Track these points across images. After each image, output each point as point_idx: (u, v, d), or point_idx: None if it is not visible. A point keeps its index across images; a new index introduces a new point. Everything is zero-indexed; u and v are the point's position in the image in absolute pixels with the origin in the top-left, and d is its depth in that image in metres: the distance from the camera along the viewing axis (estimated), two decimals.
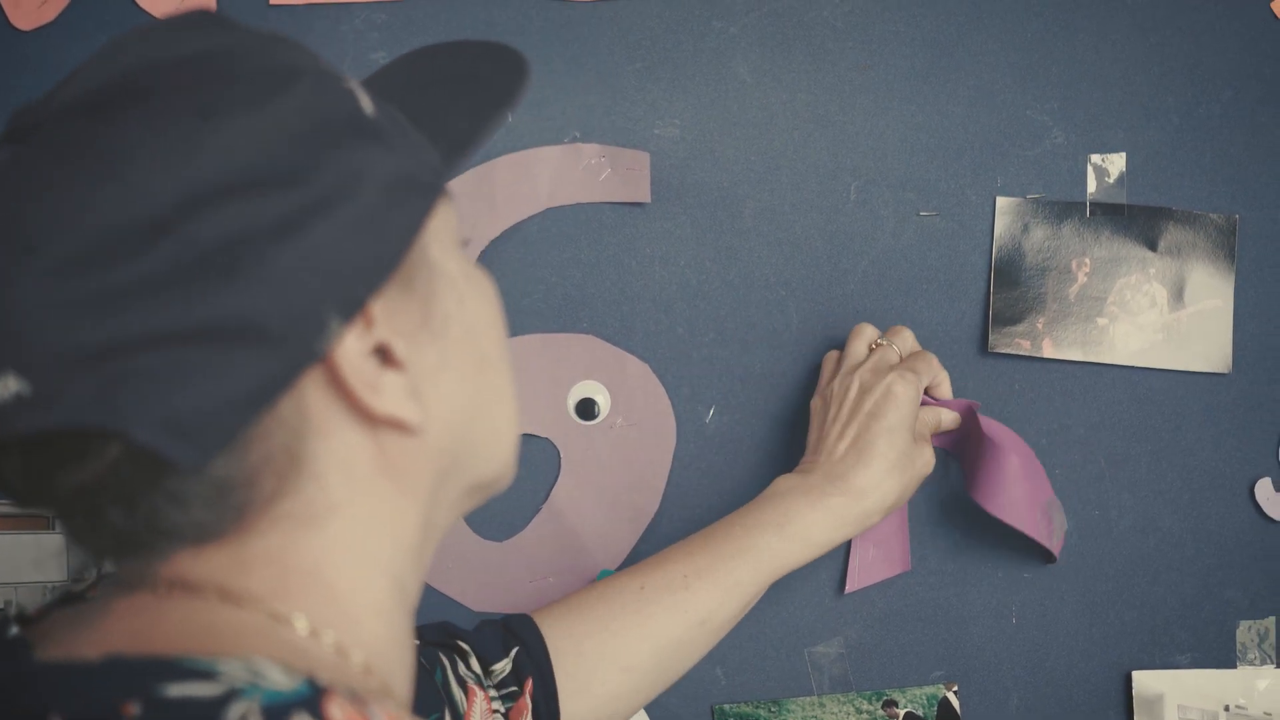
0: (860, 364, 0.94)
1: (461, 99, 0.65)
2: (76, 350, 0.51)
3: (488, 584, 1.00)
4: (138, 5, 1.01)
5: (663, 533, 1.00)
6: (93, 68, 0.56)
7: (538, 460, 1.00)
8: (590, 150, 1.00)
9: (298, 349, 0.54)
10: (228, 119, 0.53)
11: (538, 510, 1.01)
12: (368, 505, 0.58)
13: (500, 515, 1.00)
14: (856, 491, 0.89)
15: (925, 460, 0.93)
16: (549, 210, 1.00)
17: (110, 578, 0.61)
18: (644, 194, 1.00)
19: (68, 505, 0.55)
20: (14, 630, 0.57)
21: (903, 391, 0.91)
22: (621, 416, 1.00)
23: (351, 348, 0.56)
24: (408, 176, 0.58)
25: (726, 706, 1.00)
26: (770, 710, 1.00)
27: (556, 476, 1.00)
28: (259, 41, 0.58)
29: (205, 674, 0.52)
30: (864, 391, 0.92)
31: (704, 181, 1.01)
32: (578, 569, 1.00)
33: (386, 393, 0.57)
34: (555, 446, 1.00)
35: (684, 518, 1.00)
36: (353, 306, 0.55)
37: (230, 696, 0.51)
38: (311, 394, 0.56)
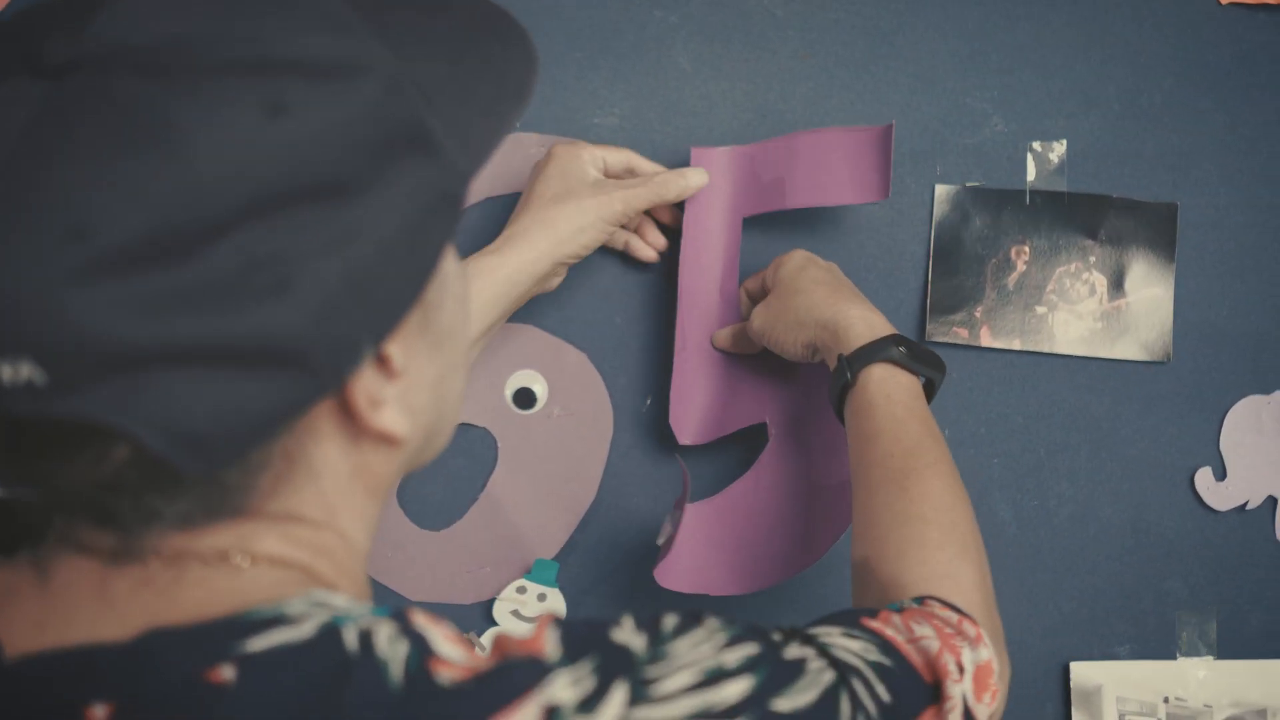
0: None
1: (480, 85, 0.59)
2: (111, 351, 0.47)
3: (426, 573, 1.00)
4: None
5: (600, 521, 1.00)
6: (142, 7, 0.50)
7: (475, 449, 1.00)
8: (530, 139, 1.00)
9: (330, 375, 0.52)
10: (297, 120, 0.49)
11: (475, 500, 1.00)
12: (349, 508, 0.58)
13: (438, 504, 1.00)
14: (536, 230, 0.91)
15: (606, 202, 0.92)
16: (489, 199, 1.00)
17: (55, 535, 0.56)
18: None
19: (52, 489, 0.53)
20: None
21: (586, 152, 0.93)
22: (559, 406, 1.00)
23: (365, 367, 0.54)
24: (443, 189, 0.54)
25: None
26: None
27: (494, 466, 1.00)
28: (322, 17, 0.53)
29: (278, 620, 0.51)
30: (561, 167, 0.93)
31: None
32: (515, 558, 1.00)
33: (384, 408, 0.56)
34: (493, 436, 1.00)
35: (621, 506, 1.00)
36: (384, 332, 0.53)
37: (330, 627, 0.51)
38: (318, 405, 0.54)
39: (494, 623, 0.98)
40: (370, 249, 0.51)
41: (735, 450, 1.00)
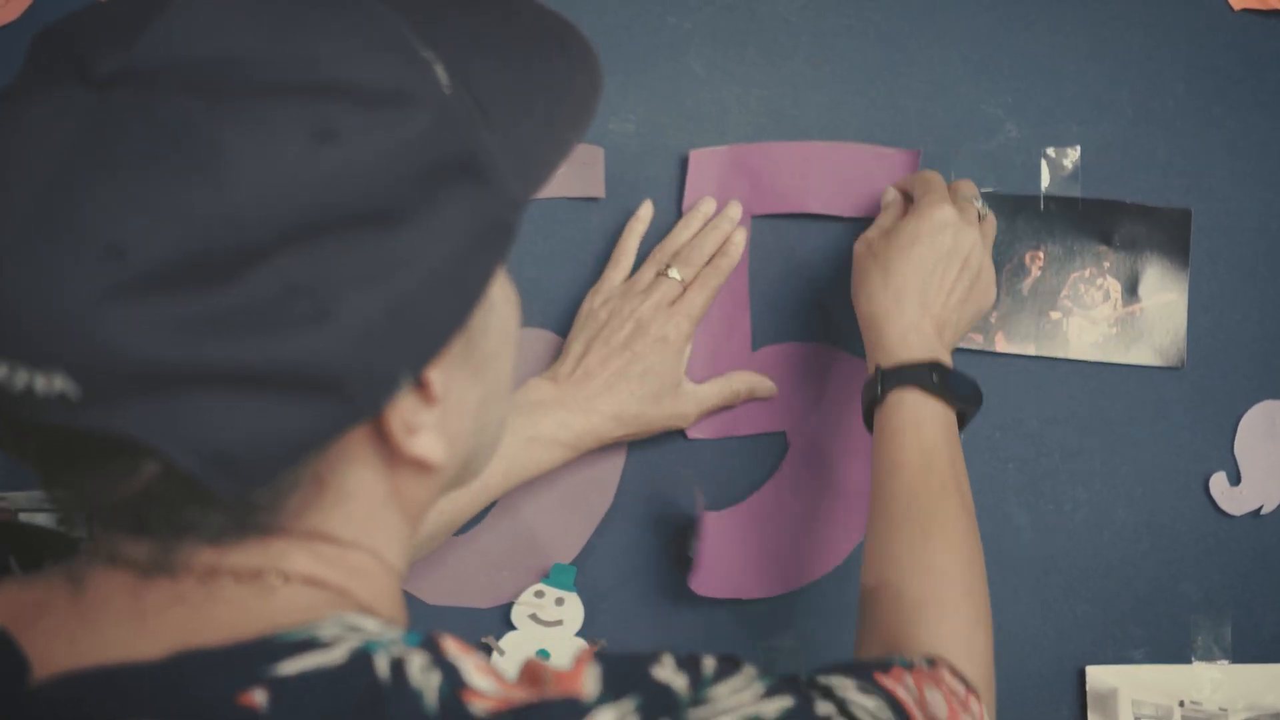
0: (642, 292, 0.94)
1: (537, 106, 0.57)
2: (141, 368, 0.47)
3: (444, 577, 1.00)
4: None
5: (616, 527, 1.00)
6: (193, 19, 0.50)
7: None
8: None
9: (366, 403, 0.51)
10: (346, 147, 0.49)
11: (493, 504, 1.01)
12: (382, 531, 0.58)
13: None
14: (601, 415, 0.92)
15: (680, 413, 0.94)
16: None
17: (88, 548, 0.57)
18: (598, 189, 1.00)
19: (84, 496, 0.53)
20: None
21: (674, 336, 0.93)
22: None
23: (403, 394, 0.54)
24: (494, 217, 0.53)
25: None
26: None
27: None
28: (376, 41, 0.52)
29: (309, 643, 0.51)
30: (639, 330, 0.93)
31: (658, 176, 1.01)
32: (532, 562, 1.00)
33: (420, 434, 0.55)
34: None
35: (638, 510, 1.00)
36: (423, 363, 0.53)
37: (362, 653, 0.50)
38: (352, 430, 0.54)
39: (512, 626, 0.99)
40: (415, 279, 0.50)
41: (756, 458, 1.00)
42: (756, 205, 0.99)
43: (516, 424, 0.90)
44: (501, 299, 0.60)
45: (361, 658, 0.51)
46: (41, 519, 1.00)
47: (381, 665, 0.51)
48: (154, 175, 0.47)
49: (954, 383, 0.84)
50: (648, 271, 0.96)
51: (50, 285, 0.47)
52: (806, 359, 1.00)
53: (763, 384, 0.98)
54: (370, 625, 0.53)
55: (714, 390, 0.96)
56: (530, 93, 0.57)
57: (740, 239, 0.97)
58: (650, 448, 1.01)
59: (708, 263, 0.96)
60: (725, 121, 1.01)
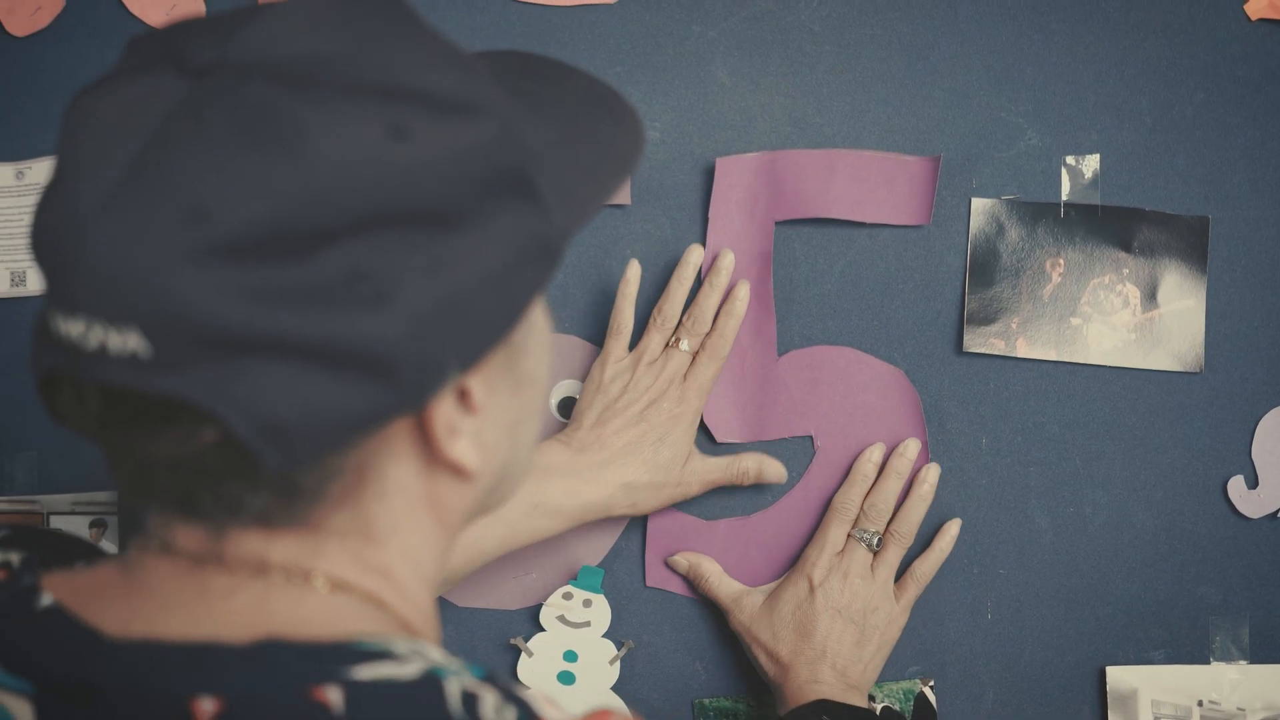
0: (654, 361, 0.97)
1: (583, 154, 0.62)
2: (214, 333, 0.50)
3: (472, 579, 1.01)
4: (129, 12, 1.03)
5: (643, 530, 1.02)
6: (284, 22, 0.53)
7: None
8: None
9: (414, 391, 0.54)
10: (418, 146, 0.52)
11: None
12: (417, 533, 0.60)
13: None
14: (615, 485, 0.94)
15: (686, 487, 0.97)
16: None
17: (139, 542, 0.59)
18: (624, 196, 1.02)
19: (143, 467, 0.55)
20: (47, 599, 0.56)
21: (687, 411, 0.96)
22: None
23: (446, 393, 0.56)
24: (543, 239, 0.57)
25: (706, 701, 1.02)
26: (750, 705, 1.01)
27: None
28: (449, 58, 0.56)
29: (386, 654, 0.53)
30: (654, 404, 0.95)
31: (684, 183, 1.02)
32: (560, 564, 1.01)
33: (460, 439, 0.58)
34: None
35: (663, 514, 1.02)
36: (470, 362, 0.55)
37: (433, 676, 0.52)
38: (397, 423, 0.56)
39: (540, 628, 1.00)
40: (467, 279, 0.53)
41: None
42: (781, 211, 1.01)
43: (524, 487, 0.92)
44: (540, 325, 0.63)
45: (433, 680, 0.53)
46: (75, 522, 1.01)
47: (452, 692, 0.53)
48: (241, 149, 0.50)
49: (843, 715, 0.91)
50: (654, 340, 0.98)
51: (135, 242, 0.50)
52: (831, 363, 1.01)
53: (771, 466, 0.99)
54: (435, 654, 0.55)
55: (720, 466, 0.98)
56: (576, 144, 0.61)
57: (743, 294, 0.98)
58: None
59: (713, 325, 0.98)
60: (750, 129, 1.02)
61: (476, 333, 0.55)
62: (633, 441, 0.94)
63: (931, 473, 0.99)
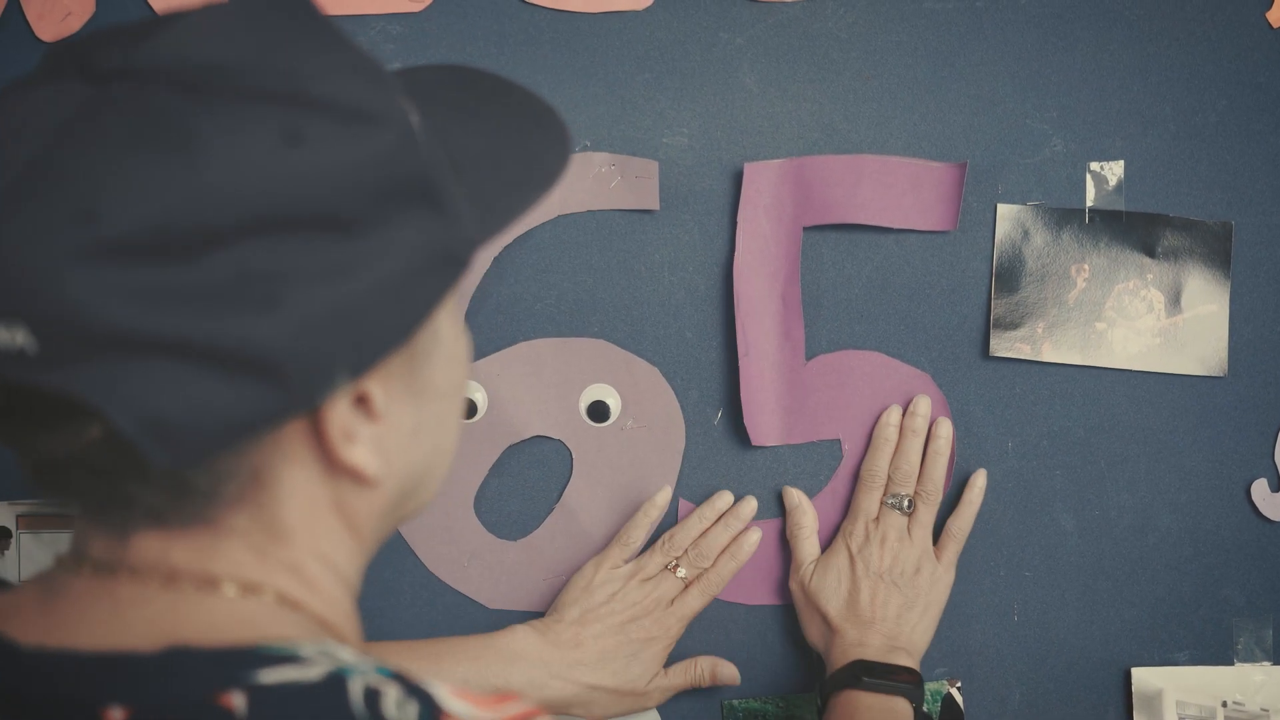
0: (649, 579, 0.99)
1: (507, 166, 0.63)
2: (100, 331, 0.50)
3: (502, 582, 1.02)
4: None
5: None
6: (192, 31, 0.54)
7: (551, 461, 1.03)
8: (600, 159, 1.03)
9: (301, 395, 0.54)
10: (311, 152, 0.53)
11: (551, 510, 1.03)
12: (325, 537, 0.60)
13: (515, 515, 1.03)
14: (581, 686, 0.96)
15: (647, 699, 0.99)
16: (560, 217, 1.03)
17: (60, 559, 0.60)
18: (653, 201, 1.02)
19: (41, 462, 0.56)
20: None
21: (665, 637, 0.99)
22: (632, 418, 1.03)
23: (340, 397, 0.57)
24: (445, 249, 0.57)
25: (735, 702, 1.03)
26: (778, 706, 1.02)
27: (569, 477, 1.03)
28: (356, 68, 0.56)
29: (291, 658, 0.53)
30: (634, 620, 0.98)
31: (711, 189, 1.03)
32: None
33: (357, 444, 0.58)
34: (568, 448, 1.03)
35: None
36: (362, 367, 0.56)
37: (337, 676, 0.53)
38: (289, 426, 0.56)
39: None
40: (361, 286, 0.54)
41: (812, 464, 1.02)
42: (808, 216, 1.02)
43: (489, 669, 0.94)
44: (451, 335, 0.63)
45: (337, 680, 0.53)
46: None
47: (355, 690, 0.53)
48: (133, 152, 0.51)
49: (882, 671, 0.93)
50: (655, 560, 0.99)
51: (24, 241, 0.51)
52: (859, 368, 1.02)
53: (725, 669, 1.01)
54: (345, 655, 0.55)
55: (679, 675, 1.00)
56: (500, 155, 0.62)
57: (753, 539, 1.00)
58: (706, 456, 1.03)
59: (714, 562, 1.00)
60: (777, 135, 1.03)
61: (370, 339, 0.55)
62: (608, 650, 0.96)
63: (944, 427, 1.00)
